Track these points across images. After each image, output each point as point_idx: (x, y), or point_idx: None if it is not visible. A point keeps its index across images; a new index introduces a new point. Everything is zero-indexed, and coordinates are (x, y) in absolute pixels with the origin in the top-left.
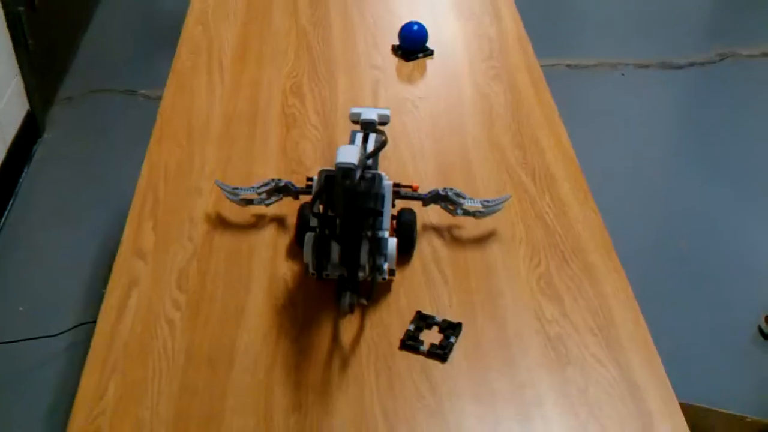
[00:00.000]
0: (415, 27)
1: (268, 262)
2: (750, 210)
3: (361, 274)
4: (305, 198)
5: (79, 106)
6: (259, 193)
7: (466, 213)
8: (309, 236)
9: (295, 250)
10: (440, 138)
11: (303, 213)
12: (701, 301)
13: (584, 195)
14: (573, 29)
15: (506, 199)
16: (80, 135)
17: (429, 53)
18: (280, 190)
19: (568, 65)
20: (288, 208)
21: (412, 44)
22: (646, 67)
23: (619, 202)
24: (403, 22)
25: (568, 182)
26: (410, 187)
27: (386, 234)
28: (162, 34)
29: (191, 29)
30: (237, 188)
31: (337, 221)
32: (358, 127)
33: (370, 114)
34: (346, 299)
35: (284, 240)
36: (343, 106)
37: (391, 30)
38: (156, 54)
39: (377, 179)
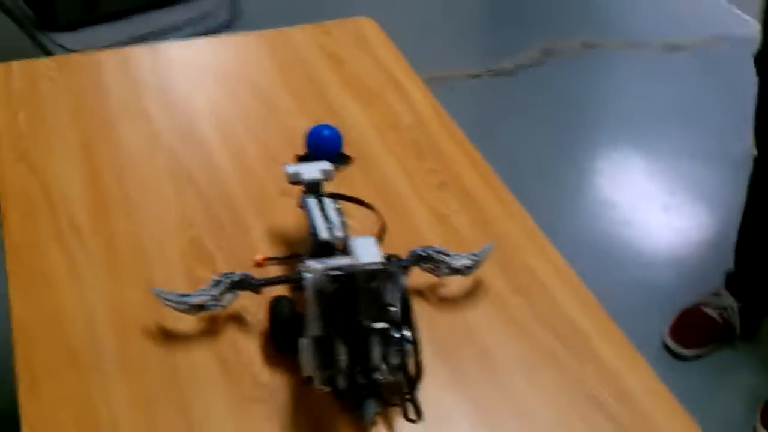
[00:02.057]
0: (326, 132)
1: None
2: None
3: (378, 377)
4: (270, 291)
5: None
6: (212, 295)
7: (454, 272)
8: (306, 343)
9: (271, 358)
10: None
11: (280, 311)
12: None
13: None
14: None
15: (490, 248)
16: None
17: (346, 161)
18: (237, 285)
19: None
20: (244, 304)
21: (326, 153)
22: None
23: None
24: (301, 126)
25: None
26: None
27: (403, 329)
28: None
29: (11, 171)
30: (184, 294)
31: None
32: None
33: (311, 172)
34: (371, 409)
35: (248, 343)
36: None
37: (287, 139)
38: None
39: (396, 272)
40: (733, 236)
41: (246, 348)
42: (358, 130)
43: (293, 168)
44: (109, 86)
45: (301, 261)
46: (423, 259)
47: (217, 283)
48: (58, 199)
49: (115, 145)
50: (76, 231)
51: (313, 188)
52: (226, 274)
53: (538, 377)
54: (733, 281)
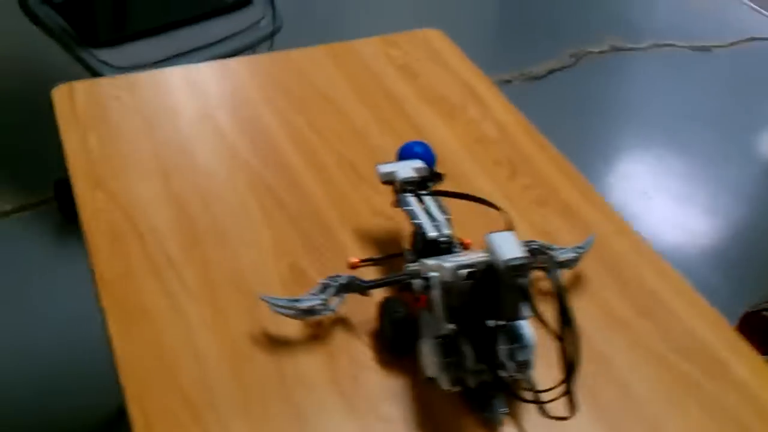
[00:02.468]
0: (418, 149)
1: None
2: None
3: (503, 374)
4: (378, 293)
5: None
6: (322, 299)
7: (559, 266)
8: (430, 343)
9: (385, 361)
10: None
11: (394, 312)
12: None
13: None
14: None
15: (592, 241)
16: None
17: (438, 178)
18: (344, 288)
19: None
20: (351, 307)
21: None
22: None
23: None
24: (384, 143)
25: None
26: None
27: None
28: None
29: (91, 200)
30: (294, 299)
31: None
32: None
33: (404, 170)
34: (500, 408)
35: (360, 348)
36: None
37: (372, 157)
38: None
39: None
40: None
41: (358, 353)
42: (444, 145)
43: (387, 167)
44: (179, 105)
45: (406, 260)
46: (537, 252)
47: (324, 287)
48: (145, 228)
49: (193, 166)
50: (170, 261)
51: (409, 187)
52: (332, 276)
53: (681, 407)
54: None
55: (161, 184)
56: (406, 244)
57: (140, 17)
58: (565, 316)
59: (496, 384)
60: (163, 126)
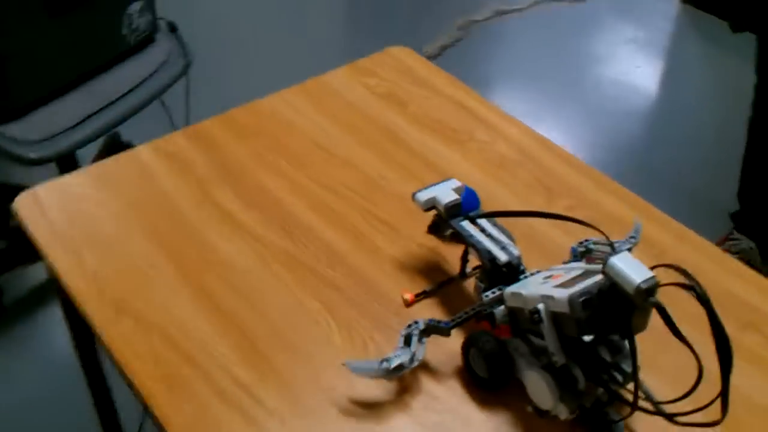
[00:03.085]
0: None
1: None
2: None
3: (614, 386)
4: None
5: None
6: (411, 352)
7: None
8: (540, 376)
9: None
10: None
11: (486, 346)
12: None
13: None
14: None
15: (641, 226)
16: None
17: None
18: (425, 332)
19: None
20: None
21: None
22: None
23: None
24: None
25: None
26: None
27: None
28: None
29: (117, 332)
30: (383, 360)
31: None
32: None
33: (445, 193)
34: (619, 421)
35: (452, 391)
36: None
37: (399, 207)
38: None
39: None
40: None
41: (451, 396)
42: (465, 176)
43: (425, 194)
44: (166, 188)
45: (478, 290)
46: (589, 252)
47: (407, 339)
48: (196, 351)
49: (215, 260)
50: (239, 385)
51: (453, 212)
52: (410, 325)
53: None
54: (742, 221)
55: (189, 290)
56: (457, 270)
57: (37, 80)
58: (715, 323)
59: (611, 398)
60: (158, 218)
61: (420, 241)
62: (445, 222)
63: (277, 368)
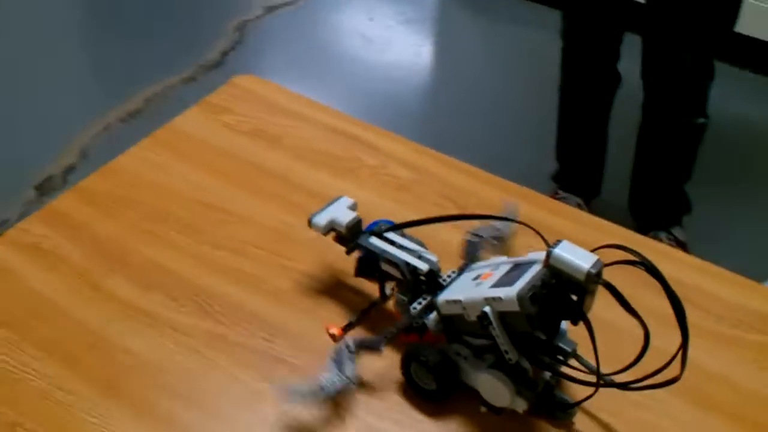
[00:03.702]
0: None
1: None
2: None
3: (560, 367)
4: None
5: None
6: (344, 373)
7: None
8: (493, 376)
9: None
10: None
11: (429, 358)
12: None
13: None
14: None
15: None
16: None
17: None
18: (357, 351)
19: None
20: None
21: None
22: None
23: None
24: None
25: None
26: None
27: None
28: None
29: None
30: (315, 383)
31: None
32: None
33: (341, 213)
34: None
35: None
36: None
37: (310, 253)
38: None
39: None
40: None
41: (399, 415)
42: (370, 206)
43: (321, 217)
44: (38, 286)
45: (399, 304)
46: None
47: (337, 359)
48: None
49: (128, 361)
50: None
51: (356, 230)
52: (340, 346)
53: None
54: (564, 180)
55: (116, 406)
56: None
57: None
58: (668, 289)
59: (558, 380)
60: (44, 329)
61: (352, 284)
62: (348, 241)
63: None
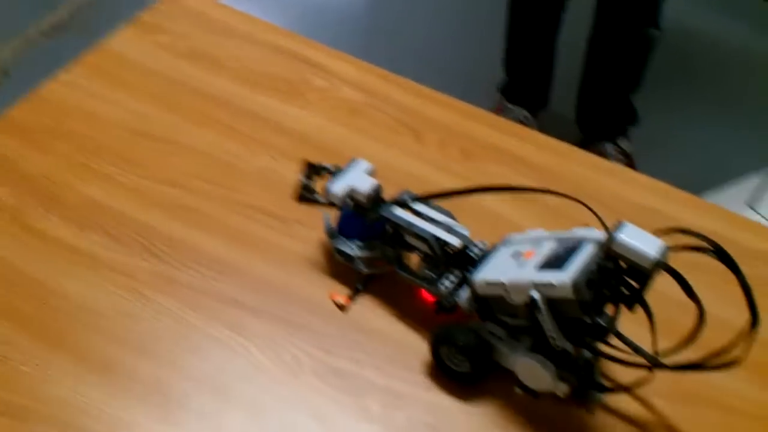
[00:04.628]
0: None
1: None
2: None
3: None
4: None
5: None
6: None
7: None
8: (536, 361)
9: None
10: None
11: (464, 340)
12: None
13: None
14: None
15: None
16: None
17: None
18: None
19: None
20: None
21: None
22: None
23: None
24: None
25: None
26: None
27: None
28: None
29: None
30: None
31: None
32: None
33: (361, 180)
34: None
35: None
36: None
37: (269, 190)
38: None
39: None
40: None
41: (434, 400)
42: (320, 131)
43: (338, 185)
44: None
45: (426, 280)
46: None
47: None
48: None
49: (68, 307)
50: None
51: (375, 200)
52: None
53: None
54: (510, 92)
55: (58, 357)
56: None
57: None
58: (743, 282)
59: (597, 358)
60: None
61: (301, 218)
62: (368, 211)
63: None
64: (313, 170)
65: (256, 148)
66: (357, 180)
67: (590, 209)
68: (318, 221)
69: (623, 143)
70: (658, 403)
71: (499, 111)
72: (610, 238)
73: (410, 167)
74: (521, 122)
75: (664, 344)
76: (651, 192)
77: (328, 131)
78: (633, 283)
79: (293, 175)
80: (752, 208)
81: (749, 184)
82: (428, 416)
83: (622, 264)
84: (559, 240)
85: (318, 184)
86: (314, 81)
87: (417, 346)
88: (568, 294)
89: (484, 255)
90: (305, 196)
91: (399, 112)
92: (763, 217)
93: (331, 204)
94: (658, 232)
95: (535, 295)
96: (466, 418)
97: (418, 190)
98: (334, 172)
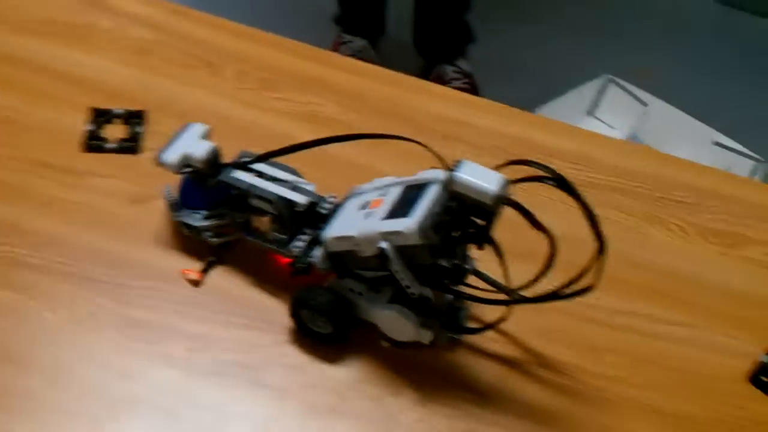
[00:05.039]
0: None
1: None
2: None
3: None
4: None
5: None
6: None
7: None
8: (397, 311)
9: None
10: None
11: (323, 300)
12: None
13: None
14: None
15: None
16: None
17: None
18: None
19: None
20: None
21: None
22: None
23: None
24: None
25: None
26: None
27: None
28: None
29: None
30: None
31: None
32: None
33: (196, 146)
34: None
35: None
36: None
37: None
38: None
39: None
40: None
41: (303, 362)
42: (108, 73)
43: (171, 153)
44: None
45: (275, 242)
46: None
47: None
48: None
49: None
50: None
51: (213, 164)
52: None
53: None
54: (347, 22)
55: None
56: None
57: None
58: (583, 204)
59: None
60: None
61: (99, 172)
62: (208, 177)
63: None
64: (101, 116)
65: (37, 98)
66: (191, 145)
67: (434, 153)
68: (114, 170)
69: (462, 63)
70: (524, 337)
71: (337, 44)
72: (450, 178)
73: (205, 101)
74: (361, 51)
75: (528, 277)
76: (494, 115)
77: (117, 74)
78: (479, 221)
79: (80, 125)
80: (593, 115)
81: (588, 91)
82: (301, 378)
83: (467, 203)
84: (405, 185)
85: (108, 131)
86: (100, 22)
87: (281, 312)
88: (416, 240)
89: (335, 209)
90: (94, 145)
91: (193, 47)
92: (602, 122)
93: (124, 151)
94: (499, 168)
95: (384, 245)
96: (334, 375)
97: (232, 133)
98: (136, 122)
